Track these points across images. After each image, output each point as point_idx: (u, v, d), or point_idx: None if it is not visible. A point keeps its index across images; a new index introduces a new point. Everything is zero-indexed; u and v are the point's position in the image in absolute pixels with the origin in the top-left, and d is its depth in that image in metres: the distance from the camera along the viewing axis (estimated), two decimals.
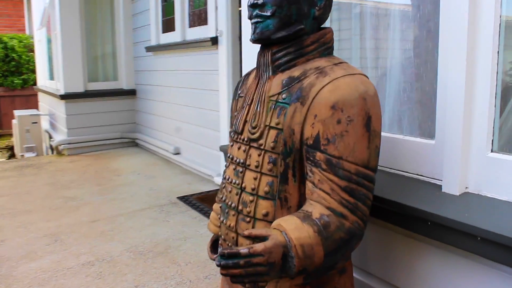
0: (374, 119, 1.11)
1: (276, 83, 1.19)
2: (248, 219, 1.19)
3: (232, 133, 1.31)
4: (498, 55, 1.19)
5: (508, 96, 1.27)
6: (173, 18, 5.01)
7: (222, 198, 1.32)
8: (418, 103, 1.55)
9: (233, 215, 1.23)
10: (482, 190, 1.23)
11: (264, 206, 1.17)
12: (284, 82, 1.18)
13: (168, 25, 5.22)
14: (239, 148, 1.25)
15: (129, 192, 4.31)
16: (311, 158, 1.12)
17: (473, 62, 1.21)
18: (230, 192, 1.25)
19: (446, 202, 1.23)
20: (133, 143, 6.24)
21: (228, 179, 1.28)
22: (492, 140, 1.21)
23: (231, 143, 1.31)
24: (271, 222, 1.17)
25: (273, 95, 1.19)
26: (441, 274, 1.24)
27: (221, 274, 1.01)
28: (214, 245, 1.55)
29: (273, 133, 1.17)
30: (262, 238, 1.03)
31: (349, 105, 1.09)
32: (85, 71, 5.82)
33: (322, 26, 1.26)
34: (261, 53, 1.23)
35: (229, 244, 1.26)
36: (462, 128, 1.22)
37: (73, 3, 5.58)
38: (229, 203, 1.25)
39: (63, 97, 5.64)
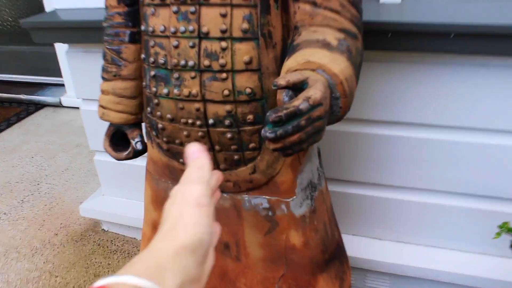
0: None
1: None
2: (223, 75, 0.79)
3: None
4: None
5: None
6: None
7: (153, 62, 0.85)
8: None
9: (193, 77, 0.81)
10: None
11: (244, 50, 0.79)
12: None
13: None
14: None
15: None
16: None
17: None
18: (177, 47, 0.80)
19: (392, 10, 1.06)
20: None
21: (164, 31, 0.81)
22: None
23: None
24: (256, 70, 0.80)
25: None
26: (411, 88, 1.13)
27: (274, 149, 0.65)
28: (113, 140, 1.07)
29: None
30: (298, 87, 0.68)
31: None
32: None
33: None
34: None
35: (189, 122, 0.85)
36: None
37: None
38: (181, 62, 0.80)
39: None
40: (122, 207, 1.72)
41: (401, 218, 1.34)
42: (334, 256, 1.08)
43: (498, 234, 1.13)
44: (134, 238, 1.77)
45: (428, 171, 1.23)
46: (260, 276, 1.03)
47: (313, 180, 0.98)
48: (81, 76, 1.54)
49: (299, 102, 0.62)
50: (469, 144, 1.16)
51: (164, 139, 0.91)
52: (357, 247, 1.39)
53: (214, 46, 0.78)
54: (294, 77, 0.67)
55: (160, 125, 0.89)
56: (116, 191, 1.74)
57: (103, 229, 1.84)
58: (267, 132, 0.62)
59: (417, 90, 1.13)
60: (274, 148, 0.64)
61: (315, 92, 0.64)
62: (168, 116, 0.86)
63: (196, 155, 0.45)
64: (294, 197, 0.94)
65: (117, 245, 1.75)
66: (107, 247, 1.75)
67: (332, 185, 1.30)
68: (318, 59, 0.71)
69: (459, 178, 1.21)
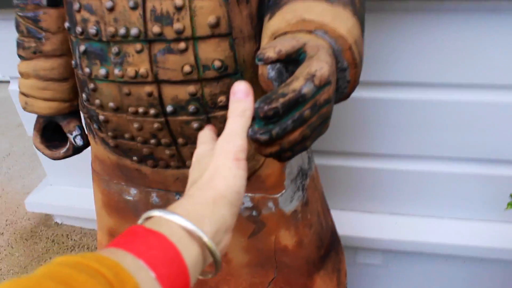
0: None
1: None
2: (182, 44, 0.57)
3: None
4: None
5: None
6: None
7: (81, 33, 0.61)
8: None
9: (139, 51, 0.58)
10: None
11: (208, 8, 0.56)
12: None
13: None
14: None
15: None
16: None
17: None
18: (112, 9, 0.56)
19: None
20: None
21: None
22: None
23: None
24: (226, 35, 0.58)
25: None
26: (406, 42, 0.93)
27: (269, 155, 0.44)
28: (45, 135, 0.83)
29: None
30: (292, 58, 0.47)
31: None
32: None
33: None
34: None
35: (139, 111, 0.62)
36: None
37: None
38: (120, 31, 0.57)
39: None
40: (75, 196, 1.49)
41: (395, 189, 1.18)
42: (330, 248, 0.92)
43: (510, 204, 0.98)
44: (93, 229, 1.56)
45: (426, 136, 1.07)
46: (246, 283, 0.85)
47: (303, 166, 0.79)
48: (4, 49, 1.26)
49: (301, 84, 0.41)
50: (475, 104, 0.99)
51: (110, 133, 0.69)
52: (346, 223, 1.23)
53: (165, 4, 0.55)
54: (286, 45, 0.45)
55: (101, 117, 0.66)
56: (66, 180, 1.51)
57: (56, 223, 1.61)
58: (257, 133, 0.41)
59: (414, 43, 0.94)
60: (269, 154, 0.43)
61: (320, 65, 0.43)
62: (111, 105, 0.63)
63: (241, 96, 0.41)
64: (283, 191, 0.74)
65: (75, 240, 1.53)
66: (63, 243, 1.53)
67: (316, 158, 1.12)
68: (316, 16, 0.50)
69: (462, 142, 1.05)
